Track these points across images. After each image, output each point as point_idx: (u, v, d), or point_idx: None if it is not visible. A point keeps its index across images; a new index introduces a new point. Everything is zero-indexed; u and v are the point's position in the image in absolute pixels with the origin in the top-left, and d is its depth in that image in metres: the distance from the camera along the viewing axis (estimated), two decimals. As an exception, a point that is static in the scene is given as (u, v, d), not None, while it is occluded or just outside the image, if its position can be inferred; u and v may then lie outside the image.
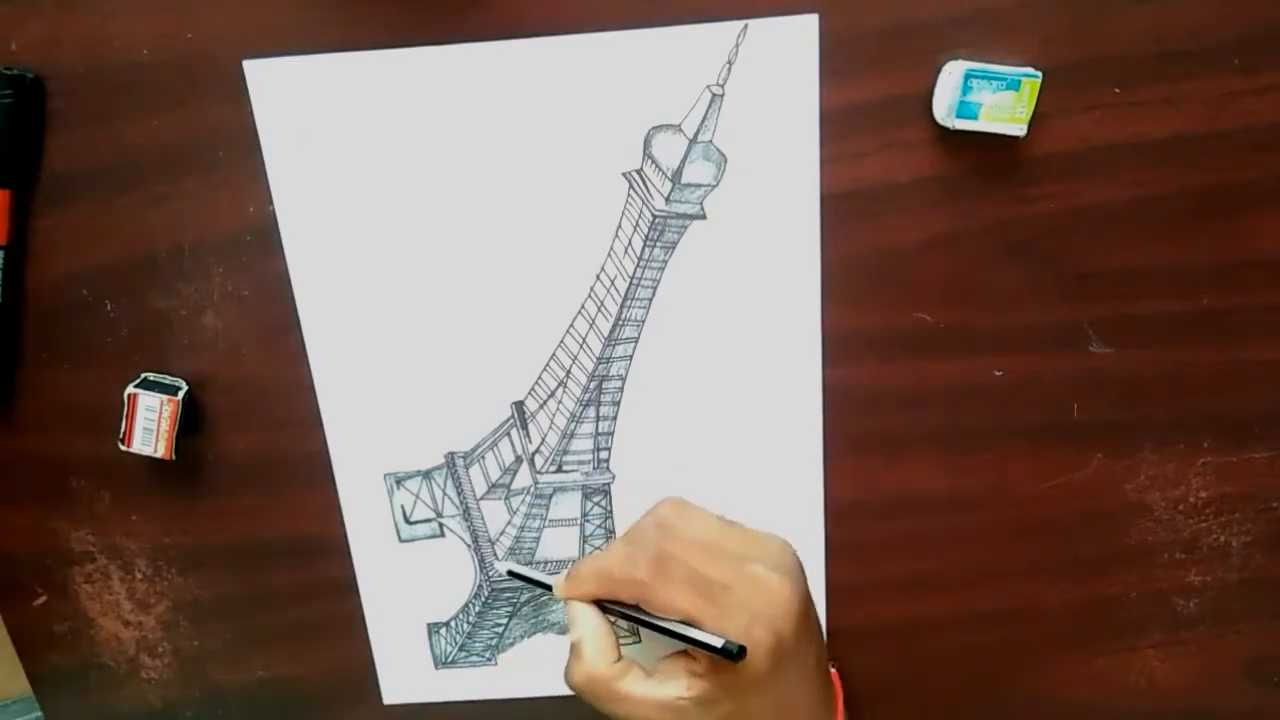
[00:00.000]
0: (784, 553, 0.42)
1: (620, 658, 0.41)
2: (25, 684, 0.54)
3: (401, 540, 0.50)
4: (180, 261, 0.45)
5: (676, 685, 0.40)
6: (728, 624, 0.38)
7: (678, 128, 0.43)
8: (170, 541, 0.51)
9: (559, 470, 0.49)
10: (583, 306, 0.46)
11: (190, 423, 0.47)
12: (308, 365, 0.47)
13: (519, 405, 0.48)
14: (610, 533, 0.50)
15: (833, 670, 0.45)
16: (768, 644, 0.38)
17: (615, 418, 0.48)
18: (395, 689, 0.53)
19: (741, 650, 0.37)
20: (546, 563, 0.50)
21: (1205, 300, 0.44)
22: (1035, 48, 0.41)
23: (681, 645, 0.39)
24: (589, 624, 0.42)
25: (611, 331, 0.46)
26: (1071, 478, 0.48)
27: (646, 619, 0.40)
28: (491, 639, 0.52)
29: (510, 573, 0.48)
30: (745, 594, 0.39)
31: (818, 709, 0.42)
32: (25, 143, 0.43)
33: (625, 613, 0.41)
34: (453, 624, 0.52)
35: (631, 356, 0.46)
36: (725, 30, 0.41)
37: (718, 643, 0.37)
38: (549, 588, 0.45)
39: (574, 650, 0.42)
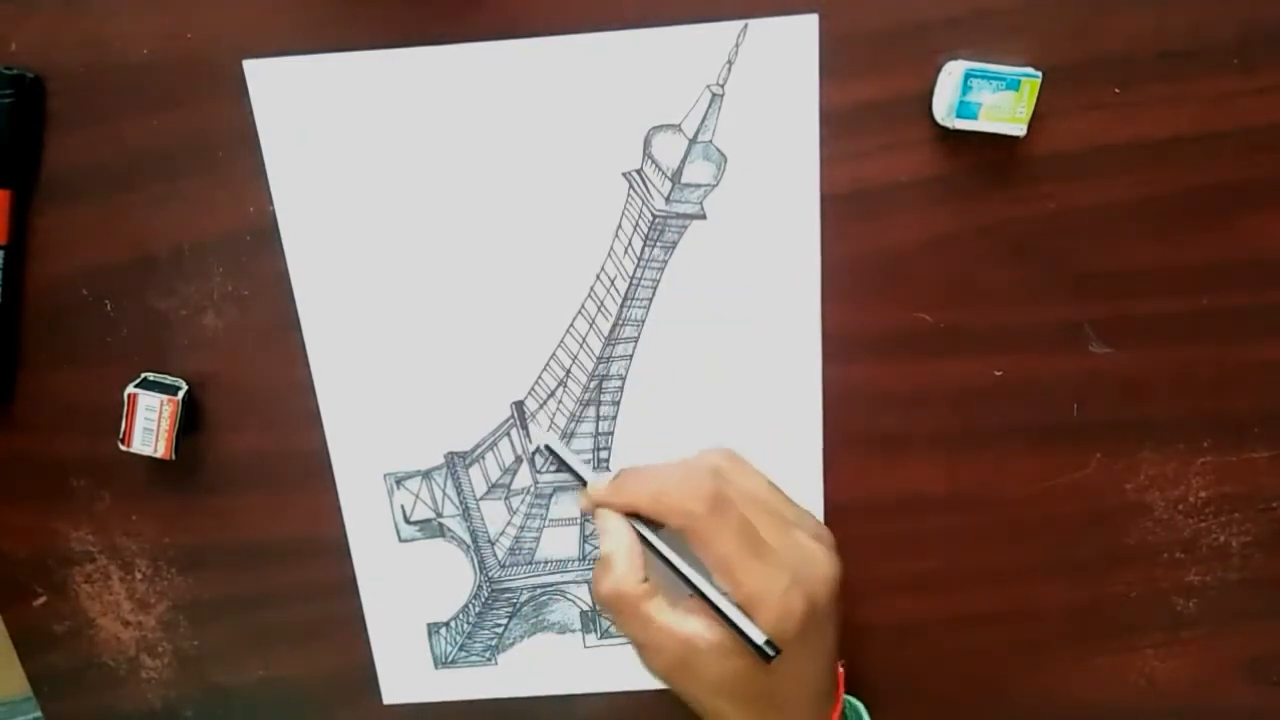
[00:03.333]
0: (821, 527, 0.42)
1: (647, 579, 0.40)
2: (24, 684, 0.54)
3: (401, 540, 0.50)
4: (180, 261, 0.45)
5: (698, 624, 0.39)
6: (766, 582, 0.38)
7: (678, 128, 0.43)
8: (170, 541, 0.51)
9: (559, 470, 0.49)
10: (583, 306, 0.46)
11: (190, 423, 0.47)
12: (308, 365, 0.47)
13: (519, 405, 0.48)
14: (610, 533, 0.50)
15: (839, 666, 0.45)
16: (801, 611, 0.38)
17: (615, 417, 0.48)
18: (395, 689, 0.53)
19: (776, 654, 0.37)
20: (546, 563, 0.50)
21: (1205, 300, 0.44)
22: (1035, 48, 0.41)
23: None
24: (624, 538, 0.41)
25: (611, 331, 0.46)
26: (1071, 478, 0.48)
27: (682, 570, 0.39)
28: (491, 639, 0.52)
29: (547, 447, 0.46)
30: (789, 557, 0.39)
31: (823, 689, 0.42)
32: (25, 143, 0.43)
33: (663, 554, 0.40)
34: (453, 624, 0.52)
35: (631, 356, 0.46)
36: (725, 30, 0.41)
37: (758, 638, 0.37)
38: (584, 482, 0.43)
39: (604, 562, 0.41)
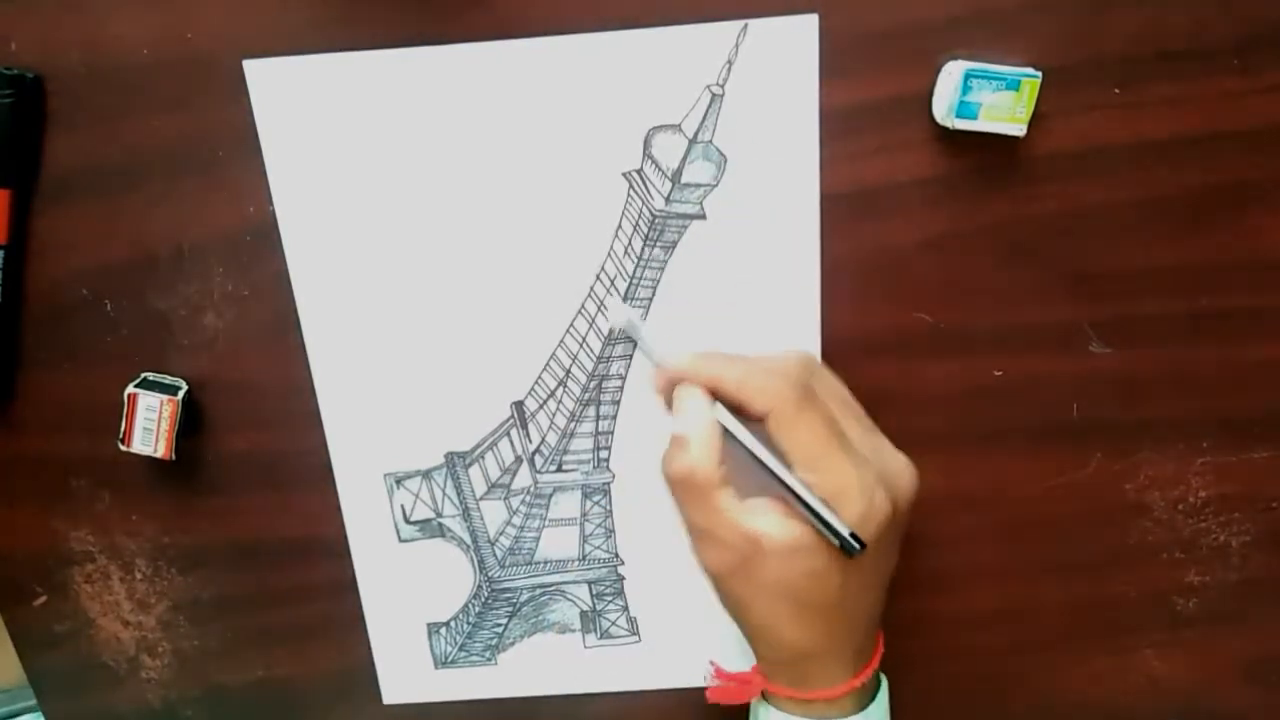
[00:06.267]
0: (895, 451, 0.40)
1: (722, 463, 0.37)
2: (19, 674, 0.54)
3: (401, 540, 0.50)
4: (180, 261, 0.45)
5: (769, 522, 0.36)
6: (854, 476, 0.36)
7: (678, 128, 0.43)
8: (170, 541, 0.51)
9: (559, 470, 0.49)
10: (583, 306, 0.46)
11: (190, 423, 0.47)
12: (308, 365, 0.47)
13: (519, 405, 0.48)
14: (610, 532, 0.50)
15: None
16: (885, 511, 0.36)
17: (615, 417, 0.48)
18: (395, 689, 0.53)
19: (861, 548, 0.35)
20: (546, 563, 0.50)
21: (1205, 300, 0.44)
22: (1035, 48, 0.41)
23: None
24: (703, 417, 0.37)
25: (611, 331, 0.46)
26: (1071, 478, 0.48)
27: (763, 459, 0.37)
28: (491, 639, 0.52)
29: (621, 330, 0.43)
30: (873, 457, 0.37)
31: (875, 615, 0.40)
32: (25, 143, 0.43)
33: (743, 440, 0.37)
34: (453, 624, 0.52)
35: (631, 356, 0.46)
36: (725, 30, 0.41)
37: (843, 530, 0.35)
38: (653, 357, 0.41)
39: (679, 441, 0.37)
